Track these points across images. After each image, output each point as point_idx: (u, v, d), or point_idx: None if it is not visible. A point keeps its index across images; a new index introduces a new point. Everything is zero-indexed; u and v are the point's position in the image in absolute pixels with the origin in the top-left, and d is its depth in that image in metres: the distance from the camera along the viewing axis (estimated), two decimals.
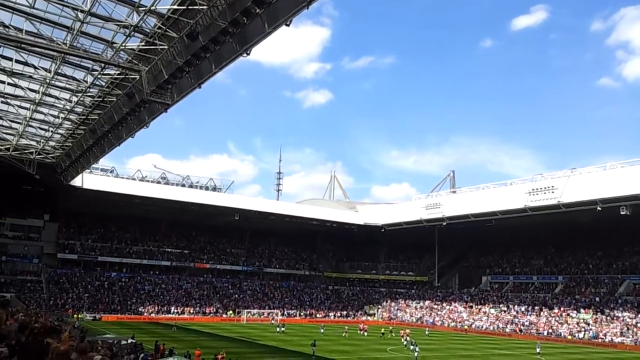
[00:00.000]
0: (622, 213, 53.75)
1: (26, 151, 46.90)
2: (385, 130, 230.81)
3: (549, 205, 59.55)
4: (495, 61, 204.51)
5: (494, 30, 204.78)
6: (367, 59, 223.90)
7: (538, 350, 45.39)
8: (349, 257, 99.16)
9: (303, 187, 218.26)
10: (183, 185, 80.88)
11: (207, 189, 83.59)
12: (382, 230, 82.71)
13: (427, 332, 63.04)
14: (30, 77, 30.18)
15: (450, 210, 71.40)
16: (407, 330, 55.21)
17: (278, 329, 57.69)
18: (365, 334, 59.31)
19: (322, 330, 57.19)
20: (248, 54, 24.37)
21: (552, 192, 59.08)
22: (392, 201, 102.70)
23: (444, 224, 73.18)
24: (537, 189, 60.86)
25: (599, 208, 55.14)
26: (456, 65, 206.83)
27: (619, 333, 58.09)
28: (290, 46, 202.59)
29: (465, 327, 71.14)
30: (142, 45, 25.27)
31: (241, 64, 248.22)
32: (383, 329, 60.67)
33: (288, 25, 22.12)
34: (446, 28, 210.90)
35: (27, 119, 37.45)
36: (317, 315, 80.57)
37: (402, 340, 50.62)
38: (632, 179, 52.90)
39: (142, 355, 25.37)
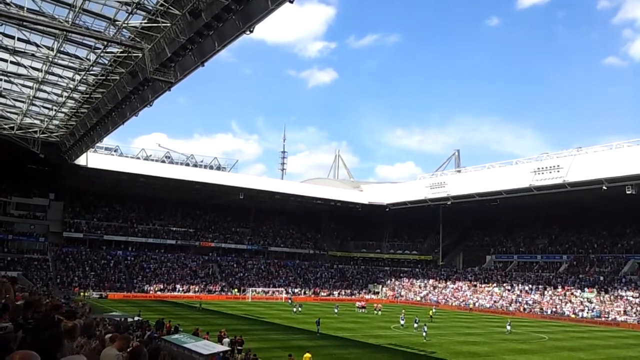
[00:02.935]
0: (627, 192, 53.58)
1: (30, 130, 46.92)
2: (390, 110, 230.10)
3: (554, 184, 59.35)
4: (501, 40, 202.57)
5: (500, 8, 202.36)
6: (372, 37, 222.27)
7: (508, 328, 44.76)
8: (354, 236, 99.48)
9: (307, 166, 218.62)
10: (187, 165, 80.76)
11: (211, 168, 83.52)
12: (387, 209, 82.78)
13: (433, 310, 63.29)
14: (33, 55, 30.04)
15: (455, 190, 71.28)
16: (380, 305, 62.55)
17: (295, 309, 55.58)
18: (364, 311, 61.26)
19: (336, 310, 56.40)
20: (251, 32, 24.10)
21: (558, 171, 58.82)
22: (397, 180, 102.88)
23: (449, 203, 73.13)
24: (542, 168, 60.61)
25: (604, 187, 54.94)
26: (461, 44, 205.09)
27: (622, 312, 58.33)
28: (294, 25, 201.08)
29: (470, 305, 71.52)
30: (145, 23, 25.03)
31: (245, 42, 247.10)
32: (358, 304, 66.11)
33: (292, 2, 21.86)
34: (452, 6, 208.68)
35: (31, 97, 37.37)
36: (322, 294, 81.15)
37: (375, 311, 57.47)
38: (638, 158, 52.56)
39: (148, 332, 25.63)
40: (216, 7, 22.84)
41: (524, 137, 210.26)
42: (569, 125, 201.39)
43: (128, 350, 5.99)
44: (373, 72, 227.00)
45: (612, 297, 61.82)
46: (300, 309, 55.48)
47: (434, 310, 62.41)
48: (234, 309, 57.56)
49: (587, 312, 60.65)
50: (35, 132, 47.11)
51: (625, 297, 60.69)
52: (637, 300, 59.35)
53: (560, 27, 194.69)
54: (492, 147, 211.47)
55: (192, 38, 25.17)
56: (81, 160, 58.92)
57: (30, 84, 35.00)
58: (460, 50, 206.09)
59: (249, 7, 22.95)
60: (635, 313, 57.29)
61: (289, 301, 67.09)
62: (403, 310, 54.44)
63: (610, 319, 57.90)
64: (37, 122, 45.44)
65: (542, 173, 60.31)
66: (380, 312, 58.72)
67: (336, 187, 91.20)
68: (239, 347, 26.78)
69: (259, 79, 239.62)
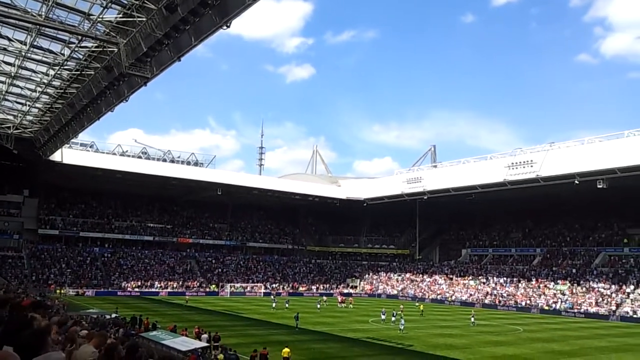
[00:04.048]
0: (599, 186, 54.68)
1: (3, 125, 46.09)
2: (367, 105, 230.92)
3: (528, 179, 60.32)
4: (476, 36, 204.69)
5: (475, 5, 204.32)
6: (349, 33, 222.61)
7: (472, 320, 45.72)
8: (332, 231, 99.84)
9: (285, 161, 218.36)
10: (164, 160, 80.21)
11: (188, 163, 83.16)
12: (365, 204, 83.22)
13: (417, 304, 63.68)
14: (5, 49, 29.53)
15: (431, 184, 71.99)
16: (347, 298, 65.55)
17: (274, 304, 54.55)
18: (343, 305, 61.81)
19: (319, 306, 56.07)
20: (228, 27, 24.07)
21: (531, 166, 59.80)
22: (375, 175, 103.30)
23: (425, 197, 73.80)
24: (516, 163, 61.53)
25: (576, 182, 56.04)
26: (437, 40, 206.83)
27: (594, 303, 59.72)
28: (271, 20, 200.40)
29: (449, 298, 72.40)
30: (120, 17, 24.79)
31: (222, 37, 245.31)
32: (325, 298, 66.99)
33: None
34: (427, 2, 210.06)
35: (3, 92, 36.72)
36: (300, 289, 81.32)
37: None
38: (609, 153, 53.70)
39: (122, 329, 25.44)
40: (192, 2, 22.74)
41: (499, 132, 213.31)
42: (542, 120, 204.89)
43: (104, 347, 6.04)
44: (350, 68, 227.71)
45: (584, 289, 63.23)
46: (287, 305, 54.46)
47: (416, 304, 62.74)
48: (212, 304, 57.44)
49: (560, 304, 61.95)
50: (9, 127, 46.29)
51: (597, 289, 62.12)
52: (608, 291, 60.81)
53: (534, 24, 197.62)
54: (468, 142, 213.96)
55: (168, 33, 24.98)
56: (56, 156, 58.02)
57: (2, 78, 34.40)
58: (436, 46, 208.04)
59: (225, 1, 22.90)
60: (606, 304, 58.71)
61: (272, 297, 65.96)
62: (401, 306, 54.84)
63: (582, 310, 59.23)
64: (10, 117, 44.66)
65: (516, 168, 61.24)
66: (351, 305, 60.95)
67: (314, 183, 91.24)
68: (216, 344, 26.73)
69: (236, 75, 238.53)
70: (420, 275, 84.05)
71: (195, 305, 55.03)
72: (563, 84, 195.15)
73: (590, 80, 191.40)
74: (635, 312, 55.30)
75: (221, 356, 24.25)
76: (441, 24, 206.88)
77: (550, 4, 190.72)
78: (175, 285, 72.77)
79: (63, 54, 29.74)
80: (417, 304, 63.18)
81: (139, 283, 70.96)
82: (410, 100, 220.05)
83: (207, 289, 74.17)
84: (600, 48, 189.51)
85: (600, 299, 60.04)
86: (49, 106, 39.95)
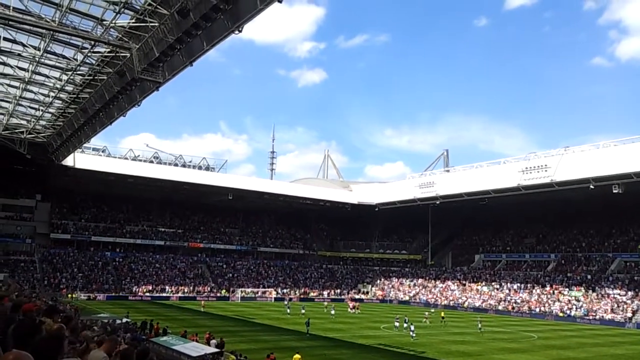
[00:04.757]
0: (614, 191, 53.99)
1: (17, 130, 46.45)
2: (379, 110, 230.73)
3: (542, 183, 59.71)
4: (489, 40, 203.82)
5: (488, 9, 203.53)
6: (362, 37, 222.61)
7: (479, 326, 45.26)
8: (343, 236, 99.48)
9: (297, 166, 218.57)
10: (176, 165, 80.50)
11: (200, 168, 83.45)
12: (376, 209, 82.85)
13: (432, 311, 63.11)
14: (19, 55, 29.71)
15: (444, 189, 71.50)
16: (357, 304, 65.01)
17: (289, 310, 55.25)
18: (354, 311, 61.20)
19: (332, 312, 55.05)
20: (240, 31, 24.03)
21: (545, 170, 59.20)
22: (386, 180, 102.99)
23: (438, 202, 73.33)
24: (530, 167, 60.97)
25: (591, 186, 55.36)
26: (449, 44, 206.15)
27: (609, 310, 58.84)
28: (284, 25, 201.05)
29: (465, 304, 71.74)
30: (133, 23, 24.84)
31: (234, 42, 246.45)
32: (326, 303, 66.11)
33: (280, 2, 21.80)
34: (441, 6, 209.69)
35: (17, 97, 36.97)
36: (311, 294, 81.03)
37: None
38: (625, 158, 53.04)
39: (129, 334, 25.31)
40: (204, 7, 22.72)
41: (512, 137, 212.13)
42: (557, 124, 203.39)
43: (116, 352, 5.90)
44: (362, 72, 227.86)
45: (599, 296, 62.35)
46: (303, 311, 53.81)
47: (432, 311, 62.03)
48: (223, 309, 57.34)
49: (575, 311, 61.12)
50: (22, 132, 46.65)
51: (612, 296, 61.24)
52: (623, 298, 59.92)
53: (547, 27, 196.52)
54: (481, 147, 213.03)
55: (181, 38, 25.03)
56: (68, 161, 58.42)
57: (16, 84, 34.62)
58: (449, 50, 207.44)
59: (237, 6, 22.86)
60: (622, 311, 57.82)
61: (286, 302, 64.59)
62: (426, 313, 54.43)
63: (597, 317, 58.39)
64: (24, 122, 44.98)
65: (530, 172, 60.67)
66: (358, 311, 60.65)
67: (325, 187, 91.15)
68: (220, 350, 26.39)
69: (248, 79, 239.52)
70: (433, 281, 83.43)
71: (206, 311, 54.96)
72: (577, 87, 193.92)
73: (605, 84, 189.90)
74: None
75: (232, 357, 24.13)
76: (453, 27, 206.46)
77: (564, 7, 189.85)
78: (186, 290, 72.84)
79: (76, 59, 29.87)
80: (432, 310, 62.56)
81: (150, 288, 71.11)
82: (423, 104, 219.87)
83: (218, 294, 74.19)
84: (616, 51, 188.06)
85: (616, 305, 59.15)
86: (62, 111, 40.19)
